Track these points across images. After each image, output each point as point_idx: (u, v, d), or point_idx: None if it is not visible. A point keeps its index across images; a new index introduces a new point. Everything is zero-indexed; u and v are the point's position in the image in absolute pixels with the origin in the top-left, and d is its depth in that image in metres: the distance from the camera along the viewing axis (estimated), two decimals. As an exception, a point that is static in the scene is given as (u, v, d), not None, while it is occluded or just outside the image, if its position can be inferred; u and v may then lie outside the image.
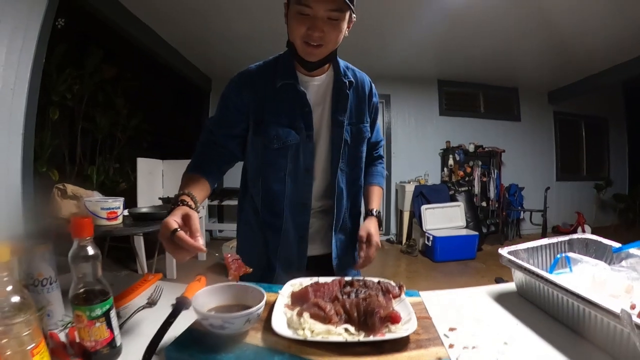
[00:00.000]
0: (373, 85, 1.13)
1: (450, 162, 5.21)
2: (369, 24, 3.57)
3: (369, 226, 1.07)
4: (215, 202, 5.02)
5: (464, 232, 4.56)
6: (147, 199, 3.64)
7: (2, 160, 2.03)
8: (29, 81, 2.09)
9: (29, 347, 0.48)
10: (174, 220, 0.69)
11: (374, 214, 1.12)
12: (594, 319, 0.63)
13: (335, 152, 1.03)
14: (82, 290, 0.57)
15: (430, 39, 3.99)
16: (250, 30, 3.77)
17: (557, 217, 5.36)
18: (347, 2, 0.83)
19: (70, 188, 1.95)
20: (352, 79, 1.04)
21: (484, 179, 5.18)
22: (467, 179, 5.15)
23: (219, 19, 3.55)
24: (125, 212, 2.20)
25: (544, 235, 4.72)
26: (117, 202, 1.93)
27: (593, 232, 3.80)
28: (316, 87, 1.01)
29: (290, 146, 0.98)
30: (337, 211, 1.06)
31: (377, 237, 1.06)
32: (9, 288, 0.48)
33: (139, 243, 3.34)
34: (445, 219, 4.66)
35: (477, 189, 5.13)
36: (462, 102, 5.53)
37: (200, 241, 0.67)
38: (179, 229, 0.67)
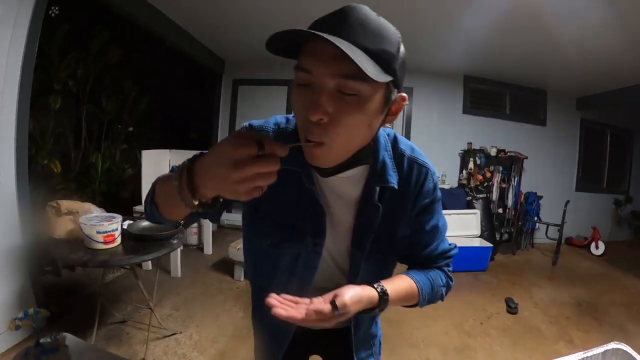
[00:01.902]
0: (430, 178, 0.77)
1: (470, 165, 4.96)
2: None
3: (351, 291, 0.63)
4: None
5: (478, 242, 4.39)
6: (153, 191, 3.54)
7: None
8: (18, 84, 1.92)
9: None
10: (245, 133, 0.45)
11: (376, 287, 0.69)
12: None
13: (351, 274, 0.77)
14: None
15: (462, 33, 3.67)
16: (266, 6, 3.44)
17: (572, 228, 5.14)
18: (371, 68, 0.51)
19: (65, 205, 1.83)
20: (394, 181, 0.71)
21: (503, 186, 4.95)
22: (485, 184, 4.93)
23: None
24: (125, 224, 2.08)
25: (557, 251, 4.54)
26: (115, 224, 1.80)
27: (607, 247, 3.67)
28: (340, 181, 0.70)
29: (284, 254, 0.75)
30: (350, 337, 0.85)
31: (347, 301, 0.62)
32: None
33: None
34: (461, 227, 4.49)
35: (495, 196, 4.92)
36: (488, 101, 5.21)
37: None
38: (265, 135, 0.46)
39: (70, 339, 0.98)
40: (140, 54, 4.08)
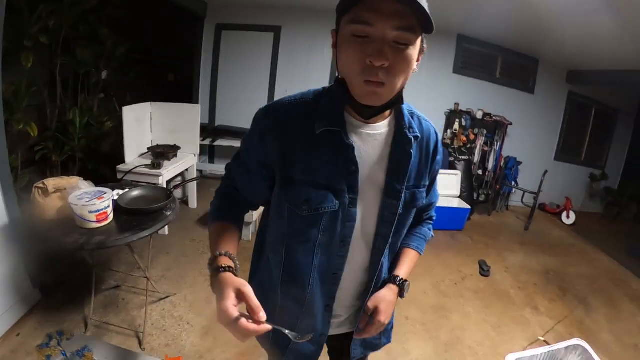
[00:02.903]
0: (439, 137, 0.91)
1: (456, 126, 5.00)
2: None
3: (380, 300, 0.90)
4: (207, 142, 4.81)
5: (457, 202, 4.57)
6: (136, 148, 3.43)
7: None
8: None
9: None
10: (231, 305, 0.61)
11: (397, 282, 0.92)
12: None
13: (383, 225, 0.83)
14: None
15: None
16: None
17: (546, 196, 5.39)
18: (424, 19, 0.62)
19: (51, 183, 1.76)
20: (418, 133, 0.82)
21: (486, 149, 5.06)
22: (468, 146, 5.02)
23: None
24: (115, 195, 2.05)
25: (530, 217, 4.80)
26: (106, 201, 1.76)
27: (578, 218, 3.92)
28: (370, 138, 0.78)
29: (325, 214, 0.78)
30: (373, 286, 0.91)
31: (384, 316, 0.89)
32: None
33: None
34: (441, 186, 4.52)
35: (476, 158, 5.05)
36: (479, 63, 5.10)
37: (263, 316, 0.62)
38: (240, 317, 0.60)
39: (93, 343, 0.97)
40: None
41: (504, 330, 2.56)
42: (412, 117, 0.84)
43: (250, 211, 0.96)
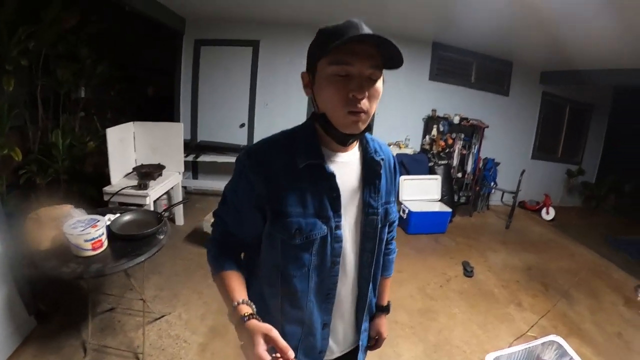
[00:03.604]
0: (396, 159, 1.07)
1: (434, 132, 5.17)
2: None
3: (378, 327, 1.15)
4: (190, 158, 4.81)
5: (438, 206, 4.72)
6: (121, 168, 3.43)
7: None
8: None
9: None
10: (264, 351, 0.68)
11: (383, 310, 1.16)
12: None
13: (367, 240, 0.94)
14: None
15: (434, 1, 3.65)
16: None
17: (525, 193, 5.61)
18: (389, 58, 0.74)
19: (44, 214, 1.78)
20: (383, 155, 0.95)
21: (464, 152, 5.24)
22: (447, 150, 5.19)
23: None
24: (107, 221, 2.07)
25: (510, 215, 4.99)
26: (100, 229, 1.79)
27: (557, 212, 4.07)
28: (345, 165, 0.88)
29: (315, 239, 0.86)
30: (368, 299, 1.03)
31: (385, 334, 1.17)
32: None
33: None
34: (422, 192, 4.79)
35: (455, 161, 5.22)
36: (454, 69, 5.31)
37: (291, 354, 0.69)
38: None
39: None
40: (95, 18, 3.69)
41: (490, 328, 2.69)
42: (373, 143, 0.96)
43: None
